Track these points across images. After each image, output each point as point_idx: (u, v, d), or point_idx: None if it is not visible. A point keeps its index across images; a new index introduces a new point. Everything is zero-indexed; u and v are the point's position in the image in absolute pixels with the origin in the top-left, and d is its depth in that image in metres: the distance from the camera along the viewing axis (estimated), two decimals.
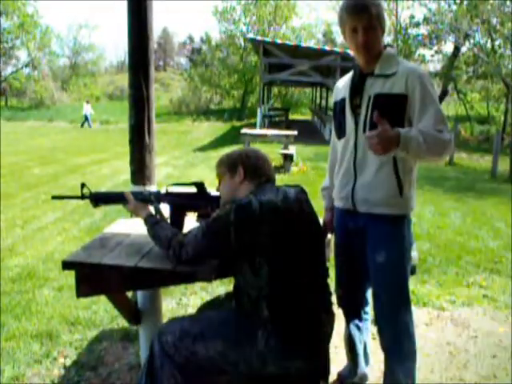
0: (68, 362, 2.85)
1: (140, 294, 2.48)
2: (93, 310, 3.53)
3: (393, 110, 2.05)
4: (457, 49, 23.82)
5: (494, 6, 17.91)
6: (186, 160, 12.94)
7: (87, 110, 26.27)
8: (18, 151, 14.03)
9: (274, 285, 1.77)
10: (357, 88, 2.17)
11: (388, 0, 27.10)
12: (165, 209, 2.17)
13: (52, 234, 5.61)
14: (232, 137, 18.66)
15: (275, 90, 36.29)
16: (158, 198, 2.19)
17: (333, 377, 2.53)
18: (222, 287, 3.89)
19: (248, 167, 1.94)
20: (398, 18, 30.10)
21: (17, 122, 28.15)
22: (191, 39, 78.32)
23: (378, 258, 2.18)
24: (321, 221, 2.05)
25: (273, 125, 20.11)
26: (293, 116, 30.44)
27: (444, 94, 26.17)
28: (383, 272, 2.19)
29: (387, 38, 30.02)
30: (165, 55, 77.82)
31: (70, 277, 3.96)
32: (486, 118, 25.86)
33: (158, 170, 2.99)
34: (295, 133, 11.28)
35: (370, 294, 2.44)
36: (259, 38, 21.68)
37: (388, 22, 31.09)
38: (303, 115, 34.64)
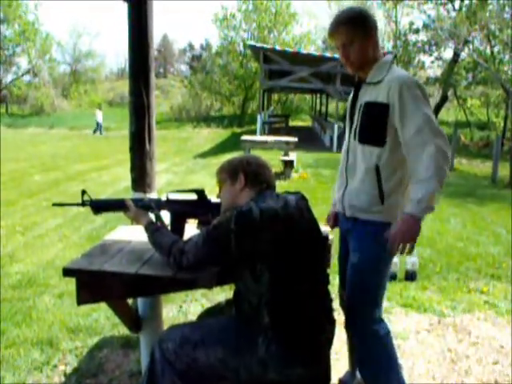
0: (68, 370, 2.84)
1: (141, 301, 2.48)
2: (93, 317, 3.52)
3: (376, 118, 2.09)
4: (456, 55, 23.86)
5: (493, 13, 17.98)
6: (186, 167, 12.95)
7: (99, 116, 25.82)
8: (18, 158, 14.05)
9: (274, 291, 1.77)
10: (354, 97, 2.26)
11: (386, 5, 27.22)
12: (165, 216, 2.18)
13: (52, 241, 5.62)
14: (232, 143, 18.69)
15: (275, 96, 36.34)
16: (159, 205, 2.19)
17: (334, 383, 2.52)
18: (222, 294, 3.88)
19: (249, 174, 1.94)
20: (398, 25, 30.26)
21: (17, 129, 28.22)
22: (191, 46, 78.54)
23: (351, 258, 2.24)
24: (322, 227, 2.05)
25: (273, 131, 20.14)
26: (293, 122, 30.48)
27: (444, 100, 26.23)
28: (351, 273, 2.24)
29: (387, 45, 30.15)
30: (165, 62, 77.96)
31: (70, 284, 3.95)
32: (485, 123, 25.90)
33: (158, 176, 2.99)
34: (295, 139, 11.30)
35: None
36: (259, 44, 21.72)
37: (388, 29, 31.26)
38: (303, 122, 34.67)
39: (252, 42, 25.37)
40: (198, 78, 35.00)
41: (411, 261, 4.39)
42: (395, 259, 4.40)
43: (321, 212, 2.53)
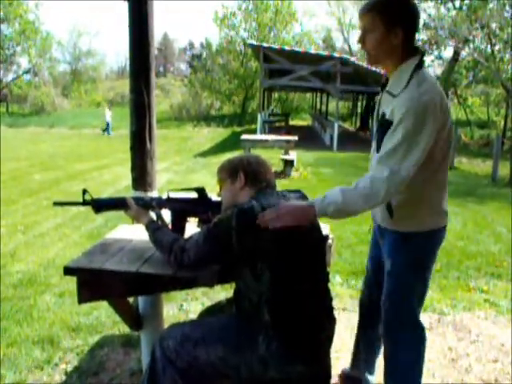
0: (69, 368, 2.85)
1: (141, 300, 2.48)
2: (94, 315, 3.53)
3: (384, 134, 1.94)
4: (456, 54, 23.85)
5: (494, 11, 17.96)
6: (186, 166, 12.96)
7: (109, 115, 25.53)
8: (19, 157, 14.06)
9: (275, 290, 1.78)
10: (379, 101, 2.13)
11: None
12: (166, 214, 2.18)
13: (53, 240, 5.62)
14: (232, 142, 18.68)
15: (275, 95, 36.36)
16: (160, 203, 2.20)
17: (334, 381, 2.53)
18: (223, 293, 3.89)
19: (249, 173, 1.95)
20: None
21: (18, 128, 28.23)
22: (191, 45, 78.53)
23: (385, 265, 2.21)
24: (322, 226, 2.05)
25: (273, 130, 20.14)
26: (293, 121, 30.49)
27: None
28: (386, 279, 2.21)
29: None
30: (165, 61, 77.98)
31: (71, 282, 3.96)
32: (486, 122, 25.90)
33: (158, 175, 3.00)
34: (295, 138, 11.30)
35: None
36: (259, 43, 21.70)
37: None
38: (304, 120, 34.68)
39: (252, 41, 25.37)
40: (198, 77, 35.01)
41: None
42: None
43: None
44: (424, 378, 2.77)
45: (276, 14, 32.66)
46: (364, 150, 16.89)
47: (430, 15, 23.05)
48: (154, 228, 2.05)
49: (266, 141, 11.66)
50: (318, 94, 31.60)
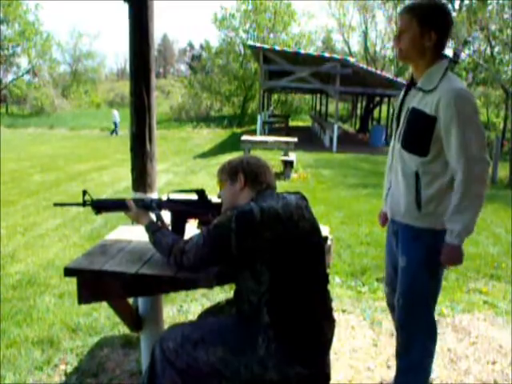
0: (69, 369, 2.85)
1: (141, 301, 2.49)
2: (94, 316, 3.53)
3: (422, 128, 2.08)
4: (456, 55, 23.89)
5: (493, 13, 18.00)
6: (186, 167, 12.96)
7: (116, 116, 25.37)
8: (18, 158, 14.06)
9: (274, 291, 1.78)
10: (403, 98, 2.24)
11: (386, 5, 27.20)
12: (166, 216, 2.19)
13: (53, 241, 5.62)
14: (232, 143, 18.70)
15: (275, 96, 36.38)
16: (159, 205, 2.20)
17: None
18: (222, 294, 3.89)
19: (248, 174, 1.95)
20: (398, 25, 30.08)
21: (17, 129, 28.22)
22: (191, 46, 78.53)
23: (400, 262, 2.27)
24: (321, 227, 2.06)
25: (273, 131, 20.14)
26: (293, 123, 30.49)
27: None
28: (401, 276, 2.27)
29: (387, 45, 30.12)
30: (165, 62, 78.01)
31: (70, 283, 3.97)
32: (485, 124, 25.89)
33: (158, 176, 3.00)
34: (295, 139, 11.31)
35: None
36: (259, 44, 21.71)
37: (388, 29, 31.23)
38: (303, 122, 34.69)
39: (251, 43, 25.38)
40: (198, 78, 35.03)
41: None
42: None
43: (321, 212, 2.55)
44: None
45: (275, 15, 32.66)
46: (363, 152, 16.94)
47: None
48: (153, 229, 2.06)
49: (266, 142, 11.66)
50: (318, 96, 31.62)
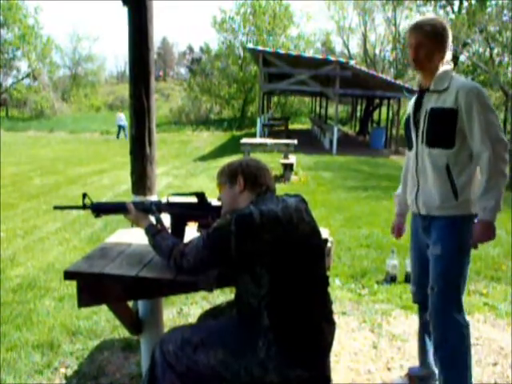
0: (69, 372, 2.85)
1: (141, 304, 2.49)
2: (94, 319, 3.53)
3: (445, 122, 2.28)
4: (455, 57, 23.92)
5: (492, 15, 18.03)
6: (186, 170, 12.97)
7: (121, 119, 25.13)
8: (18, 161, 14.07)
9: (274, 294, 1.78)
10: (417, 104, 2.42)
11: (386, 8, 27.27)
12: (166, 219, 2.19)
13: (53, 244, 5.62)
14: (232, 146, 18.70)
15: (275, 99, 36.39)
16: (159, 207, 2.20)
17: None
18: (222, 297, 3.89)
19: (248, 177, 1.95)
20: (397, 28, 30.28)
21: (17, 133, 28.22)
22: (191, 49, 78.62)
23: (432, 251, 2.38)
24: (321, 230, 2.06)
25: (272, 134, 20.15)
26: (292, 125, 30.52)
27: None
28: (435, 264, 2.37)
29: (386, 47, 30.19)
30: (165, 65, 78.01)
31: (70, 287, 3.97)
32: None
33: (158, 179, 3.01)
34: (295, 142, 11.32)
35: None
36: (258, 47, 21.73)
37: (387, 32, 31.31)
38: (303, 124, 34.71)
39: (251, 45, 25.41)
40: (198, 81, 35.05)
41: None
42: (395, 262, 4.41)
43: (320, 215, 2.55)
44: None
45: (274, 18, 32.71)
46: (363, 154, 16.95)
47: None
48: (153, 232, 2.06)
49: (266, 145, 11.66)
50: (318, 98, 31.65)
